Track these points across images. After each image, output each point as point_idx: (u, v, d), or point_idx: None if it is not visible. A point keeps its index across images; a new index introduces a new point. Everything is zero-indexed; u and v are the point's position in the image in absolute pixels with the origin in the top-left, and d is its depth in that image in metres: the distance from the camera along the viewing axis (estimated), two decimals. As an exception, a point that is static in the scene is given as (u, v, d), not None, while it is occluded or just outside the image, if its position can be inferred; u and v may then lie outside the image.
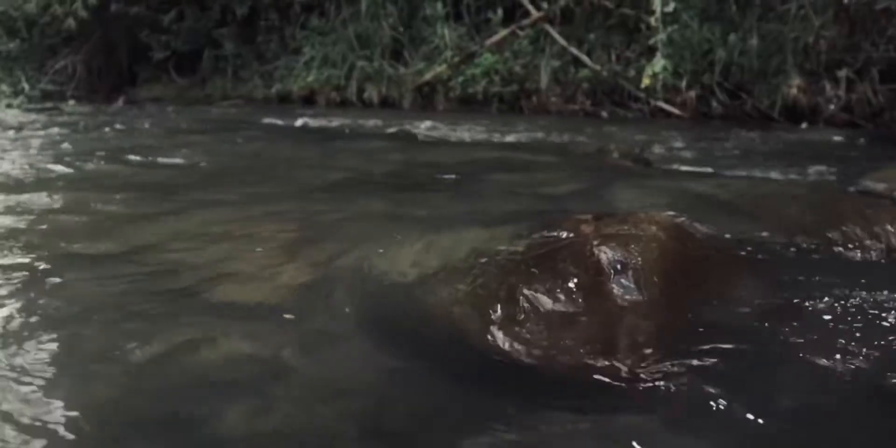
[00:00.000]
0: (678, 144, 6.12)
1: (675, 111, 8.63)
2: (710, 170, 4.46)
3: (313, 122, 7.38)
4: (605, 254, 1.73)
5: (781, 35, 8.31)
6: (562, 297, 1.62)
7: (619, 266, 1.71)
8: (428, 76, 10.07)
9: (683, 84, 8.53)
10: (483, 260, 1.79)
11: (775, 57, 8.30)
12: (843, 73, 8.12)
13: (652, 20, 6.35)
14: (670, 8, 6.04)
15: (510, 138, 6.11)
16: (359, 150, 4.62)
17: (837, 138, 7.00)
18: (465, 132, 6.46)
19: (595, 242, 1.77)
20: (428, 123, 7.06)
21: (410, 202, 2.87)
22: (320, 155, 4.46)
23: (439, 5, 10.56)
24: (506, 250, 1.82)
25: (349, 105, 10.48)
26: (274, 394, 1.48)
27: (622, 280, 1.68)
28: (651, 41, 6.84)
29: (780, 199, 2.81)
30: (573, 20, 9.82)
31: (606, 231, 1.84)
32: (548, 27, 9.78)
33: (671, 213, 2.59)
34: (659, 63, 6.25)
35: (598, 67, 9.12)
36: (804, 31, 8.26)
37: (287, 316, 1.80)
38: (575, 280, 1.66)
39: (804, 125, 7.94)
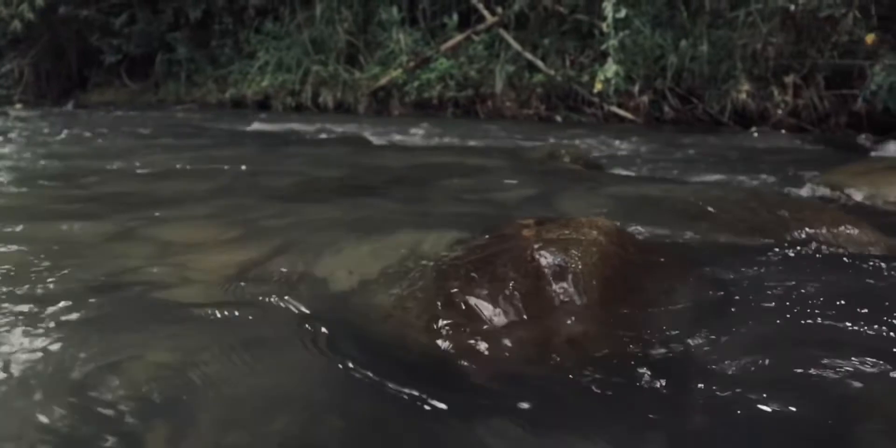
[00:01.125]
0: (630, 149, 6.18)
1: (629, 116, 8.73)
2: (659, 174, 4.51)
3: (266, 127, 7.31)
4: (545, 258, 1.73)
5: (731, 41, 8.46)
6: (501, 301, 1.61)
7: (558, 270, 1.71)
8: (383, 81, 10.05)
9: (636, 89, 8.64)
10: (424, 264, 1.79)
11: (725, 63, 8.44)
12: (790, 79, 8.29)
13: (604, 26, 6.42)
14: (622, 14, 6.11)
15: (463, 143, 6.11)
16: (309, 155, 4.58)
17: (784, 142, 7.14)
18: (419, 137, 6.45)
19: (535, 247, 1.77)
20: (382, 128, 7.03)
21: (358, 207, 2.85)
22: (270, 160, 4.41)
23: (395, 10, 10.55)
24: (447, 255, 1.81)
25: (304, 110, 10.41)
26: (202, 404, 1.45)
27: (561, 284, 1.69)
28: (603, 47, 6.91)
29: (722, 203, 2.85)
30: (528, 25, 9.88)
31: (547, 236, 1.85)
32: (503, 32, 9.83)
33: (613, 217, 2.61)
34: (611, 68, 6.31)
35: (552, 72, 9.19)
36: (752, 37, 8.41)
37: (224, 322, 1.77)
38: (514, 284, 1.66)
39: (753, 129, 8.08)
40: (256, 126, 7.30)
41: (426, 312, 1.59)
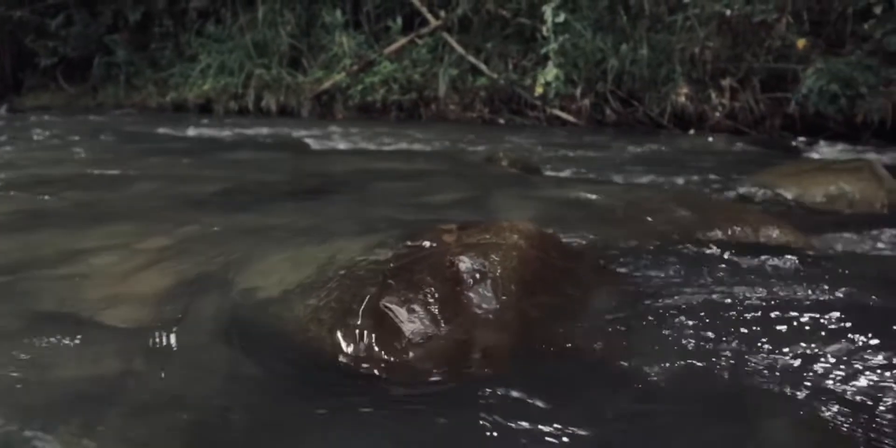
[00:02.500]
0: (570, 151, 6.23)
1: (571, 118, 8.81)
2: (595, 176, 4.56)
3: (206, 132, 7.19)
4: (464, 263, 1.73)
5: (669, 45, 8.59)
6: (417, 308, 1.60)
7: (476, 275, 1.71)
8: (326, 84, 9.98)
9: (578, 92, 8.73)
10: (342, 272, 1.77)
11: (664, 66, 8.57)
12: (727, 83, 8.45)
13: (544, 30, 6.47)
14: (561, 18, 6.16)
15: (404, 146, 6.10)
16: (246, 161, 4.52)
17: (721, 145, 7.28)
18: (360, 140, 6.42)
19: (455, 252, 1.77)
20: (324, 132, 6.98)
21: (288, 213, 2.81)
22: (205, 165, 4.34)
23: (338, 13, 10.49)
24: (366, 261, 1.80)
25: (247, 114, 10.28)
26: (111, 413, 1.42)
27: (479, 289, 1.68)
28: (543, 51, 6.97)
29: (650, 205, 2.89)
30: (471, 29, 9.91)
31: (468, 240, 1.84)
32: (446, 36, 9.84)
33: (542, 221, 2.62)
34: (551, 72, 6.36)
35: (495, 76, 9.23)
36: (690, 41, 8.56)
37: (144, 331, 1.73)
38: (432, 290, 1.65)
39: (691, 132, 8.23)
40: (195, 131, 7.18)
41: (340, 321, 1.57)
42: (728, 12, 8.47)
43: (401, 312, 1.59)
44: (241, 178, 3.78)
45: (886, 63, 6.35)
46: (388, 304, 1.60)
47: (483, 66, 9.41)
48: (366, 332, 1.54)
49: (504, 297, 1.68)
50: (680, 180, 4.51)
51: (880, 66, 6.20)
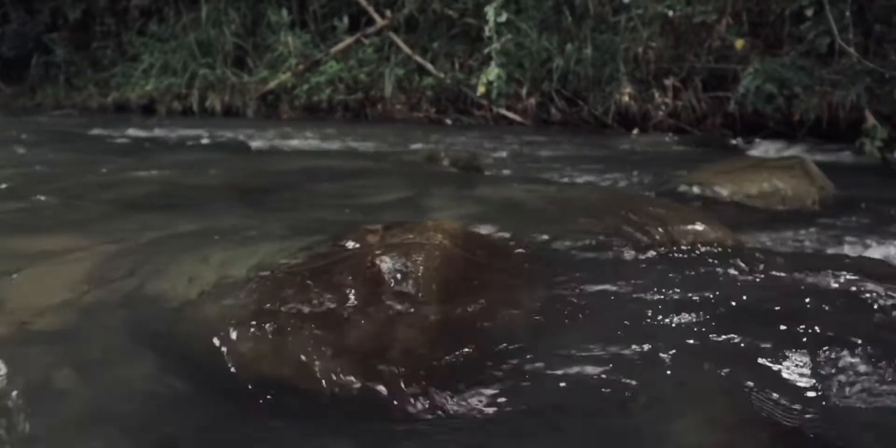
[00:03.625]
0: (514, 150, 6.27)
1: (517, 118, 8.86)
2: (536, 176, 4.59)
3: (147, 133, 7.06)
4: (385, 264, 1.71)
5: (613, 45, 8.70)
6: (335, 310, 1.59)
7: (398, 276, 1.70)
8: (272, 84, 9.88)
9: (524, 91, 8.78)
10: (262, 274, 1.74)
11: (608, 66, 8.67)
12: (669, 82, 8.58)
13: (486, 30, 6.50)
14: (503, 18, 6.20)
15: (347, 146, 6.07)
16: (184, 162, 4.45)
17: (663, 143, 7.39)
18: (303, 141, 6.36)
19: (376, 253, 1.75)
20: (267, 132, 6.91)
21: (219, 215, 2.77)
22: (140, 167, 4.25)
23: (284, 12, 10.39)
24: (286, 263, 1.77)
25: (191, 114, 10.12)
26: (18, 426, 1.38)
27: (401, 290, 1.67)
28: (486, 50, 7.01)
29: (586, 204, 2.91)
30: (417, 29, 9.91)
31: (391, 241, 1.83)
32: (392, 35, 9.82)
33: (475, 220, 2.63)
34: (493, 72, 6.39)
35: (441, 75, 9.24)
36: (634, 42, 8.67)
37: (49, 340, 1.68)
38: (351, 292, 1.63)
39: (635, 131, 8.33)
40: (135, 132, 7.04)
41: (253, 326, 1.54)
42: (670, 13, 8.60)
43: (318, 314, 1.57)
44: (177, 181, 3.72)
45: (819, 64, 6.51)
46: (305, 306, 1.58)
47: (429, 66, 9.41)
48: (279, 336, 1.51)
49: (425, 297, 1.68)
50: (618, 179, 4.57)
51: (813, 67, 6.36)
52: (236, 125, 8.09)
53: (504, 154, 5.92)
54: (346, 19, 10.18)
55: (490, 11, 6.26)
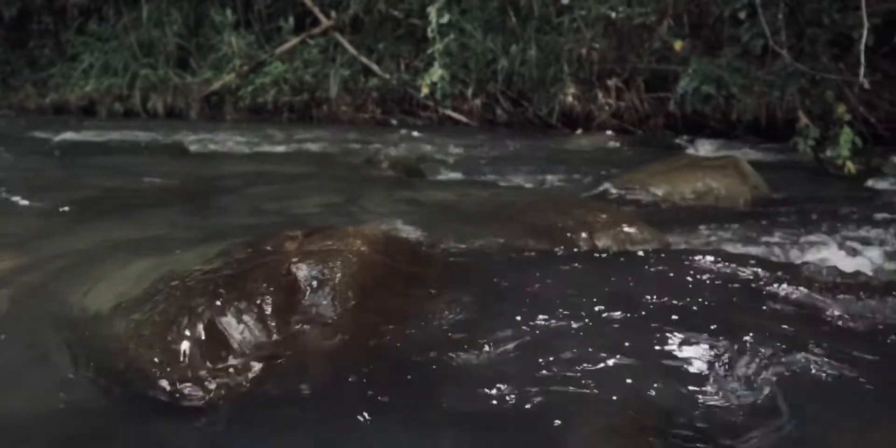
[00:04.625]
0: (458, 152, 6.28)
1: (463, 119, 8.88)
2: (475, 178, 4.60)
3: (84, 135, 6.90)
4: (301, 271, 1.70)
5: (557, 46, 8.76)
6: (248, 318, 1.57)
7: (314, 282, 1.69)
8: (216, 85, 9.74)
9: (470, 92, 8.81)
10: (174, 283, 1.71)
11: (553, 67, 8.73)
12: (612, 83, 8.68)
13: (429, 31, 6.51)
14: (445, 19, 6.21)
15: (288, 149, 6.01)
16: (117, 166, 4.35)
17: (606, 143, 7.47)
18: (244, 143, 6.29)
19: (293, 260, 1.74)
20: (209, 134, 6.81)
21: (143, 221, 2.72)
22: (72, 172, 4.16)
23: (229, 12, 10.24)
24: (201, 271, 1.75)
25: (133, 116, 9.92)
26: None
27: (316, 297, 1.66)
28: (429, 51, 7.01)
29: (519, 207, 2.92)
30: (363, 29, 9.87)
31: (309, 247, 1.82)
32: (338, 36, 9.76)
33: (407, 224, 2.62)
34: (436, 72, 6.40)
35: (387, 76, 9.21)
36: (577, 43, 8.75)
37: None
38: (265, 300, 1.62)
39: (579, 131, 8.41)
40: (73, 134, 6.87)
41: (162, 336, 1.51)
42: (613, 15, 8.70)
43: (230, 323, 1.55)
44: (106, 186, 3.65)
45: (755, 65, 6.65)
46: (217, 315, 1.56)
47: (375, 67, 9.38)
48: (189, 346, 1.49)
49: (341, 304, 1.67)
50: (557, 180, 4.60)
51: (748, 68, 6.50)
52: (178, 127, 7.96)
53: (447, 156, 5.93)
54: (291, 20, 10.08)
55: (432, 12, 6.26)
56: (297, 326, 1.60)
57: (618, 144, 7.47)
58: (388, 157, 4.59)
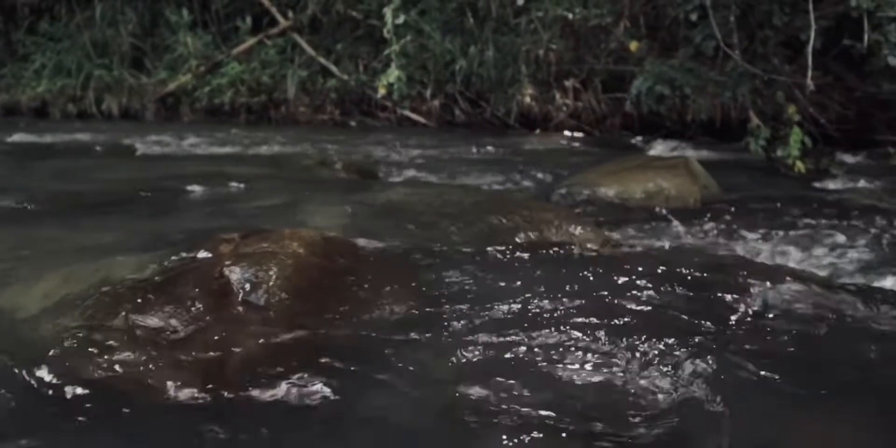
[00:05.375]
0: (414, 153, 6.27)
1: (421, 120, 8.87)
2: (428, 178, 4.60)
3: (33, 137, 6.74)
4: (234, 274, 1.69)
5: (515, 47, 8.79)
6: (176, 322, 1.55)
7: (247, 286, 1.67)
8: (171, 86, 9.60)
9: (428, 93, 8.80)
10: (105, 288, 1.68)
11: (510, 67, 8.76)
12: (570, 83, 8.73)
13: (385, 32, 6.49)
14: (401, 20, 6.20)
15: (242, 151, 5.96)
16: (64, 169, 4.27)
17: (563, 144, 7.53)
18: (199, 145, 6.21)
19: (226, 263, 1.72)
20: (162, 136, 6.71)
21: (82, 226, 2.67)
22: (17, 175, 4.08)
23: (185, 12, 10.11)
24: (132, 276, 1.72)
25: (87, 117, 9.73)
26: None
27: (248, 300, 1.65)
28: (386, 52, 7.00)
29: (468, 208, 2.92)
30: (321, 30, 9.81)
31: (244, 250, 1.80)
32: (296, 36, 9.69)
33: (352, 226, 2.61)
34: (393, 73, 6.38)
35: (345, 77, 9.17)
36: (535, 44, 8.79)
37: None
38: (195, 304, 1.60)
39: (537, 132, 8.45)
40: (21, 136, 6.72)
41: (89, 341, 1.49)
42: (570, 16, 8.75)
43: (158, 328, 1.53)
44: (52, 188, 3.58)
45: (706, 66, 6.74)
46: (146, 320, 1.54)
47: (333, 68, 9.33)
48: (115, 351, 1.47)
49: (275, 307, 1.66)
50: (511, 180, 4.62)
51: (701, 69, 6.59)
52: (133, 129, 7.84)
53: (403, 157, 5.92)
54: (248, 20, 9.98)
55: (388, 13, 6.25)
56: (229, 330, 1.58)
57: (574, 145, 7.53)
58: (342, 158, 4.57)
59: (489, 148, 6.81)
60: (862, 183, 5.54)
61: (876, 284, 2.73)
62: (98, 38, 10.33)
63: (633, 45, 7.51)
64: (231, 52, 9.73)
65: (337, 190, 3.45)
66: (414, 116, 8.83)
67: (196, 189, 3.36)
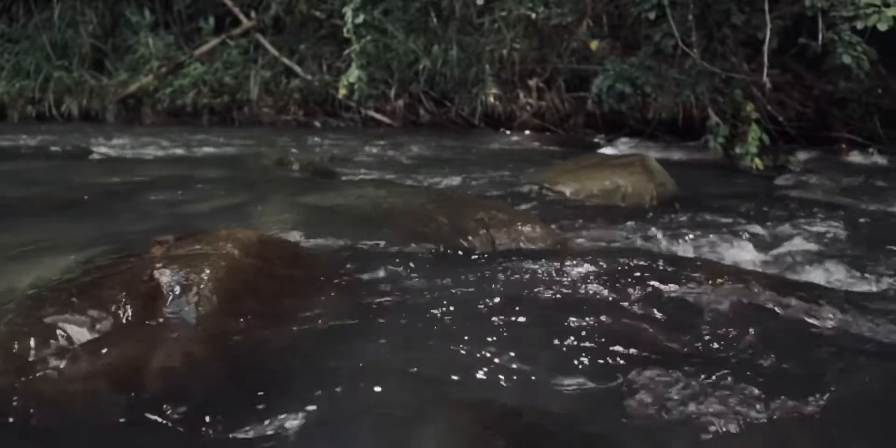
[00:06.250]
0: (375, 153, 6.25)
1: (386, 120, 8.86)
2: (385, 178, 4.58)
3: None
4: (164, 276, 1.66)
5: (479, 47, 8.80)
6: (101, 326, 1.52)
7: (176, 288, 1.65)
8: (132, 87, 9.48)
9: (392, 93, 8.79)
10: (31, 292, 1.65)
11: (474, 67, 8.77)
12: (533, 83, 8.76)
13: (344, 31, 6.45)
14: (360, 20, 6.16)
15: (202, 152, 5.90)
16: (14, 172, 4.18)
17: (526, 143, 7.55)
18: (158, 147, 6.14)
19: (157, 265, 1.70)
20: (121, 139, 6.63)
21: (30, 230, 2.62)
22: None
23: (147, 12, 9.99)
24: (58, 280, 1.69)
25: (47, 119, 9.57)
26: None
27: (176, 302, 1.63)
28: (346, 52, 6.97)
29: (419, 208, 2.90)
30: (284, 30, 9.75)
31: (176, 252, 1.78)
32: (259, 37, 9.63)
33: (299, 227, 2.58)
34: (353, 73, 6.35)
35: (309, 77, 9.12)
36: (498, 43, 8.80)
37: None
38: (121, 307, 1.57)
39: (501, 131, 8.47)
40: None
41: (8, 346, 1.46)
42: (533, 15, 8.76)
43: (81, 332, 1.51)
44: (-2, 191, 3.51)
45: (666, 64, 6.79)
46: (67, 324, 1.51)
47: (297, 68, 9.28)
48: (35, 356, 1.44)
49: (205, 309, 1.64)
50: (468, 179, 4.62)
51: (660, 67, 6.64)
52: (91, 131, 7.74)
53: (364, 157, 5.90)
54: (211, 20, 9.88)
55: (348, 13, 6.21)
56: (155, 333, 1.56)
57: (537, 144, 7.55)
58: (300, 159, 4.54)
59: (452, 148, 6.80)
60: (817, 179, 5.62)
61: (819, 281, 2.75)
62: (57, 40, 10.18)
63: (594, 44, 7.55)
64: (193, 52, 9.64)
65: (289, 191, 3.42)
66: (378, 116, 8.82)
67: (145, 192, 3.32)
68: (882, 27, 4.91)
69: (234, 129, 8.52)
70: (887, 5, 5.04)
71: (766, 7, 5.72)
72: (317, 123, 9.03)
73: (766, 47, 5.66)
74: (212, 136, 7.20)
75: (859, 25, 5.05)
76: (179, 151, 5.93)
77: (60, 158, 5.04)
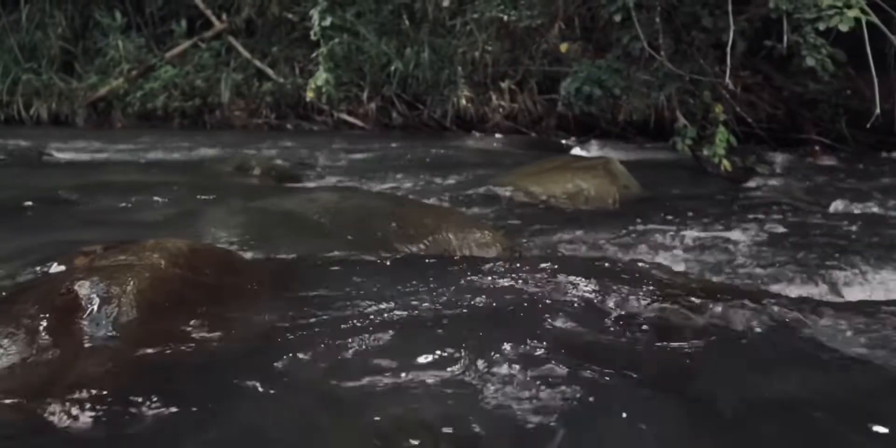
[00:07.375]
0: (344, 156, 6.22)
1: (358, 123, 8.83)
2: (352, 182, 4.56)
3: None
4: (82, 289, 1.62)
5: (451, 49, 8.79)
6: (7, 342, 1.48)
7: (95, 301, 1.61)
8: (103, 91, 9.39)
9: (364, 96, 8.76)
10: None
11: (447, 69, 8.75)
12: (506, 85, 8.76)
13: (312, 34, 6.42)
14: (328, 22, 6.13)
15: (166, 156, 5.84)
16: (-33, 177, 4.13)
17: (497, 145, 7.53)
18: (123, 151, 6.07)
19: (77, 276, 1.66)
20: (87, 142, 6.55)
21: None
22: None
23: (118, 14, 9.90)
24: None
25: (15, 123, 9.45)
26: None
27: (94, 316, 1.59)
28: (314, 54, 6.94)
29: (364, 214, 2.87)
30: (257, 33, 9.70)
31: (99, 264, 1.74)
32: (231, 39, 9.57)
33: (244, 234, 2.55)
34: (321, 77, 6.32)
35: (281, 80, 9.08)
36: (471, 46, 8.80)
37: None
38: (34, 322, 1.53)
39: (474, 133, 8.46)
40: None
41: None
42: (505, 18, 8.76)
43: (-11, 348, 1.46)
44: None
45: (634, 66, 6.80)
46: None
47: (269, 71, 9.24)
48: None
49: (124, 322, 1.60)
50: (432, 183, 4.60)
51: (628, 69, 6.65)
52: (59, 135, 7.63)
53: (332, 160, 5.86)
54: (183, 23, 9.81)
55: (315, 15, 6.17)
56: (67, 349, 1.52)
57: (509, 146, 7.54)
58: (262, 163, 4.50)
59: (422, 150, 6.78)
60: (784, 181, 5.64)
61: (774, 287, 2.74)
62: (26, 42, 10.07)
63: (564, 47, 7.54)
64: (165, 55, 9.58)
65: (242, 197, 3.37)
66: (350, 119, 8.79)
67: (95, 198, 3.27)
68: (843, 28, 4.93)
69: (204, 133, 8.46)
70: (849, 7, 5.06)
71: (730, 9, 5.74)
72: (289, 126, 8.99)
73: (729, 49, 5.67)
74: (180, 140, 7.13)
75: (821, 27, 5.07)
76: (144, 156, 5.87)
77: (14, 164, 4.97)
